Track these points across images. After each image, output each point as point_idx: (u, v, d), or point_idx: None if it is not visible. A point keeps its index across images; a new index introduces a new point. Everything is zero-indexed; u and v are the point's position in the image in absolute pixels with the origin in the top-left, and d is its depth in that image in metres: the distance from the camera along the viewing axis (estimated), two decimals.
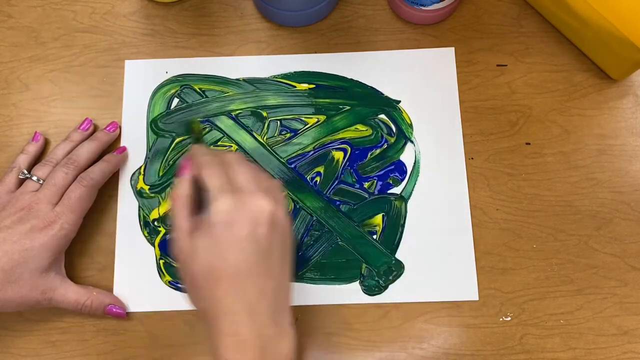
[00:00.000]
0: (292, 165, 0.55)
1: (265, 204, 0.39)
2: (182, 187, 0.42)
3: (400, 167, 0.55)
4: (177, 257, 0.41)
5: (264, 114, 0.57)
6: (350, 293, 0.52)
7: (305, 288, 0.52)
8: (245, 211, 0.38)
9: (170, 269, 0.53)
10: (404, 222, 0.54)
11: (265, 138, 0.56)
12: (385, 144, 0.56)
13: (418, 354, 0.51)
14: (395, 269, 0.52)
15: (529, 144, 0.56)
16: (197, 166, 0.42)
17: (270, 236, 0.39)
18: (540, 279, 0.52)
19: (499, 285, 0.52)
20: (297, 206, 0.54)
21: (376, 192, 0.54)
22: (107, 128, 0.56)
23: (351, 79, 0.58)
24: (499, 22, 0.59)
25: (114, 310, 0.51)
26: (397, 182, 0.55)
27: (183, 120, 0.56)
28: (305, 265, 0.53)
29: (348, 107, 0.57)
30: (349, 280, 0.52)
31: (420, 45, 0.58)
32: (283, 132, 0.56)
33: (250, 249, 0.38)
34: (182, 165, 0.43)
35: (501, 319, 0.51)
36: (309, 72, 0.58)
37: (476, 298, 0.52)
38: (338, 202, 0.54)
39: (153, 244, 0.54)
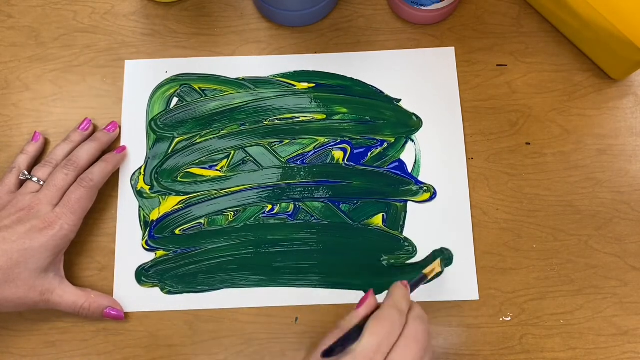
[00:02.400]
0: (293, 164, 0.55)
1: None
2: (347, 321, 0.41)
3: (401, 167, 0.55)
4: None
5: (266, 122, 0.57)
6: (350, 293, 0.52)
7: (307, 289, 0.53)
8: None
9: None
10: (404, 223, 0.54)
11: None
12: (386, 143, 0.56)
13: None
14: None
15: (529, 144, 0.56)
16: (375, 314, 0.40)
17: None
18: (540, 279, 0.52)
19: (499, 285, 0.52)
20: (298, 205, 0.54)
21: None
22: (107, 128, 0.56)
23: (351, 78, 0.58)
24: (499, 22, 0.59)
25: (112, 313, 0.51)
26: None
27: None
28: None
29: (346, 110, 0.57)
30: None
31: (420, 45, 0.58)
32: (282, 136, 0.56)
33: None
34: (365, 297, 0.42)
35: (501, 319, 0.51)
36: (308, 71, 0.58)
37: (476, 297, 0.52)
38: (337, 202, 0.54)
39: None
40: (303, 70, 0.58)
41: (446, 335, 0.51)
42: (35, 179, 0.51)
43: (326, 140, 0.56)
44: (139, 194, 0.55)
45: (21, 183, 0.52)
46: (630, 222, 0.54)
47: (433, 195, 0.54)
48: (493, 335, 0.51)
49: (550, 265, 0.53)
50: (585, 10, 0.53)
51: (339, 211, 0.54)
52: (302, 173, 0.55)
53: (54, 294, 0.49)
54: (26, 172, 0.52)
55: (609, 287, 0.52)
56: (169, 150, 0.56)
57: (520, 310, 0.52)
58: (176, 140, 0.56)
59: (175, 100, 0.57)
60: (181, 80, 0.58)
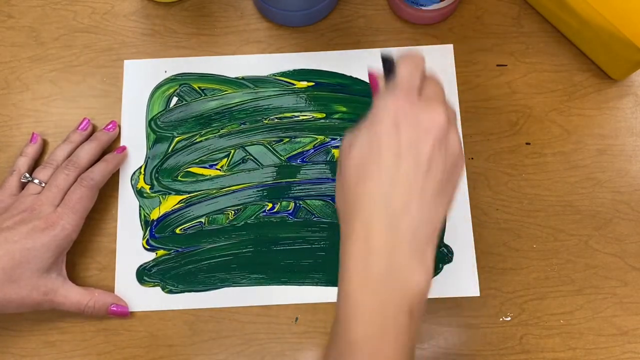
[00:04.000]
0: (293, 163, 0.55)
1: (441, 118, 0.35)
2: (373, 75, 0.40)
3: None
4: (340, 153, 0.38)
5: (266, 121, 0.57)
6: None
7: (307, 288, 0.53)
8: (416, 117, 0.35)
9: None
10: None
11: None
12: None
13: (418, 353, 0.51)
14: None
15: (529, 144, 0.56)
16: (401, 59, 0.38)
17: (434, 155, 0.35)
18: (540, 279, 0.52)
19: (499, 285, 0.52)
20: (298, 204, 0.54)
21: None
22: (107, 127, 0.56)
23: (350, 76, 0.58)
24: (499, 22, 0.59)
25: (117, 309, 0.51)
26: None
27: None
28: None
29: (344, 109, 0.57)
30: None
31: (420, 45, 0.58)
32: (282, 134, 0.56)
33: (409, 157, 0.34)
34: (372, 77, 0.40)
35: (501, 319, 0.51)
36: (308, 69, 0.58)
37: (477, 294, 0.52)
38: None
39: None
40: (302, 69, 0.58)
41: (446, 335, 0.51)
42: (36, 181, 0.51)
43: (326, 138, 0.56)
44: (139, 193, 0.55)
45: (23, 185, 0.52)
46: (630, 222, 0.54)
47: None
48: (493, 335, 0.51)
49: (550, 265, 0.53)
50: (585, 10, 0.53)
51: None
52: (302, 171, 0.55)
53: (58, 293, 0.49)
54: (27, 175, 0.52)
55: (609, 287, 0.52)
56: (169, 150, 0.56)
57: (520, 310, 0.52)
58: (176, 139, 0.56)
59: (174, 99, 0.57)
60: (180, 80, 0.58)
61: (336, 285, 0.52)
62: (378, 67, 0.41)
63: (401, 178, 0.34)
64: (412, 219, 0.34)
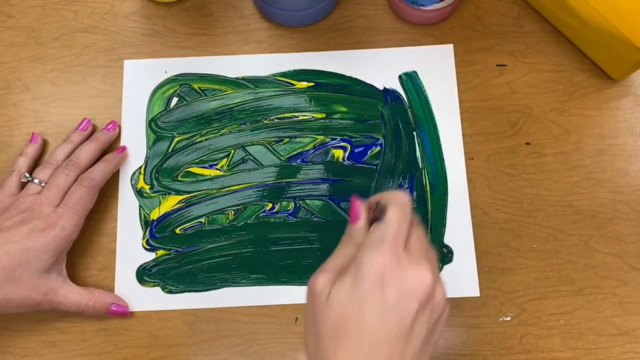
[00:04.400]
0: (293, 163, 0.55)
1: (428, 277, 0.34)
2: (356, 231, 0.38)
3: None
4: (310, 295, 0.36)
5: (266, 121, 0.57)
6: None
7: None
8: (403, 277, 0.34)
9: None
10: None
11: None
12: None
13: None
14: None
15: (529, 144, 0.56)
16: (393, 204, 0.37)
17: (420, 315, 0.34)
18: (540, 279, 0.52)
19: (499, 285, 0.52)
20: (298, 204, 0.54)
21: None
22: (107, 127, 0.56)
23: (350, 77, 0.58)
24: (499, 22, 0.59)
25: (118, 309, 0.51)
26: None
27: None
28: None
29: (345, 109, 0.57)
30: None
31: (420, 45, 0.58)
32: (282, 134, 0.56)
33: (393, 320, 0.34)
34: (354, 206, 0.39)
35: (501, 319, 0.51)
36: (308, 70, 0.58)
37: (477, 294, 0.52)
38: (338, 200, 0.54)
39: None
40: (302, 69, 0.58)
41: (446, 335, 0.51)
42: (36, 181, 0.51)
43: (326, 138, 0.56)
44: (139, 193, 0.55)
45: (23, 185, 0.52)
46: (630, 222, 0.54)
47: (432, 194, 0.54)
48: (493, 335, 0.51)
49: (550, 265, 0.53)
50: (585, 10, 0.53)
51: (339, 209, 0.54)
52: (302, 171, 0.55)
53: (58, 294, 0.49)
54: (27, 175, 0.52)
55: (609, 287, 0.52)
56: (169, 150, 0.56)
57: (520, 310, 0.52)
58: (176, 139, 0.56)
59: (175, 100, 0.57)
60: (181, 80, 0.58)
61: None
62: (361, 197, 0.41)
63: (383, 340, 0.34)
64: None
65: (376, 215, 0.38)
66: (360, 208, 0.39)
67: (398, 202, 0.37)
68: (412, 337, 0.34)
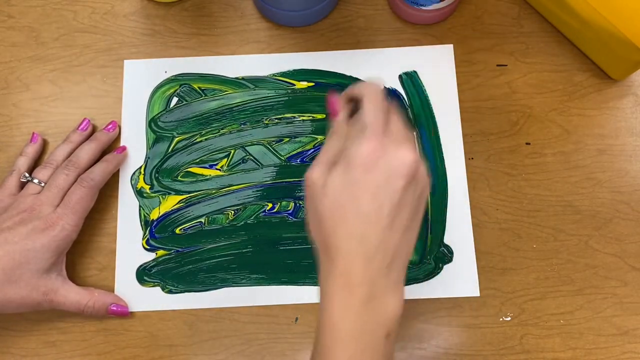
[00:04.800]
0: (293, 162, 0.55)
1: (410, 156, 0.37)
2: (338, 124, 0.41)
3: None
4: (308, 186, 0.39)
5: (266, 121, 0.57)
6: None
7: (307, 288, 0.53)
8: (389, 159, 0.37)
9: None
10: None
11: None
12: None
13: (418, 354, 0.51)
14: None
15: (529, 144, 0.56)
16: (366, 95, 0.40)
17: (407, 190, 0.38)
18: (540, 279, 0.52)
19: (499, 285, 0.52)
20: (298, 203, 0.54)
21: None
22: (107, 128, 0.56)
23: (350, 76, 0.58)
24: (499, 22, 0.59)
25: (117, 309, 0.51)
26: None
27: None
28: None
29: None
30: None
31: (420, 45, 0.58)
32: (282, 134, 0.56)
33: (383, 198, 0.37)
34: (332, 102, 0.42)
35: (501, 319, 0.51)
36: (308, 70, 0.58)
37: (477, 294, 0.52)
38: None
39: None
40: (302, 69, 0.58)
41: (446, 335, 0.51)
42: (36, 181, 0.51)
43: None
44: (139, 193, 0.55)
45: (22, 185, 0.52)
46: (630, 222, 0.54)
47: (432, 194, 0.54)
48: (493, 335, 0.51)
49: (550, 265, 0.53)
50: (585, 10, 0.53)
51: None
52: (302, 171, 0.55)
53: (57, 294, 0.49)
54: (27, 174, 0.52)
55: (609, 287, 0.52)
56: (169, 150, 0.56)
57: (520, 310, 0.52)
58: (176, 139, 0.56)
59: (175, 99, 0.57)
60: (181, 80, 0.58)
61: None
62: (337, 93, 0.43)
63: (376, 218, 0.37)
64: (387, 254, 0.38)
65: (354, 108, 0.42)
66: (338, 102, 0.42)
67: (371, 92, 0.40)
68: (401, 214, 0.38)
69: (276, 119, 0.57)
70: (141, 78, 0.58)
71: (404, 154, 0.37)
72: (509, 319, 0.51)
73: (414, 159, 0.38)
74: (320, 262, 0.39)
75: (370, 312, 0.37)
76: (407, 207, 0.38)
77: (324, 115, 0.57)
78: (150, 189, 0.55)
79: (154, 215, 0.54)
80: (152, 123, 0.57)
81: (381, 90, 0.41)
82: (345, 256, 0.37)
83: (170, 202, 0.55)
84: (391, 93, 0.57)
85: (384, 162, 0.37)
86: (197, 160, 0.56)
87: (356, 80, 0.58)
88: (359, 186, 0.37)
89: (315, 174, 0.39)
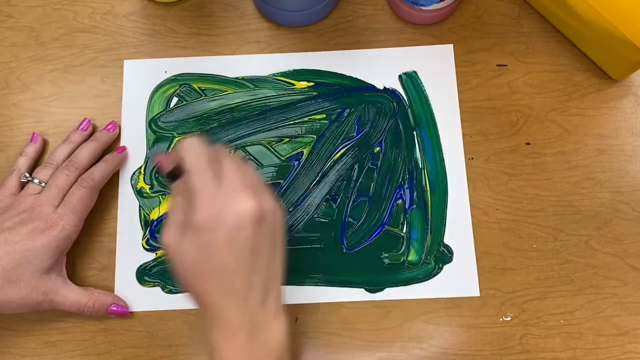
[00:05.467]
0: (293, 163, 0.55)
1: (250, 204, 0.38)
2: (176, 189, 0.42)
3: None
4: (167, 253, 0.41)
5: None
6: (350, 292, 0.52)
7: (307, 288, 0.53)
8: (230, 214, 0.38)
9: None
10: (405, 220, 0.54)
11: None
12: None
13: (418, 354, 0.51)
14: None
15: (529, 144, 0.56)
16: (184, 155, 0.41)
17: (256, 235, 0.39)
18: (540, 279, 0.52)
19: (499, 285, 0.52)
20: (298, 201, 0.54)
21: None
22: (107, 128, 0.56)
23: (350, 76, 0.58)
24: (499, 22, 0.59)
25: (117, 309, 0.51)
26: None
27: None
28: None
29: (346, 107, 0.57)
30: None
31: (420, 45, 0.58)
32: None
33: (236, 250, 0.38)
34: (160, 163, 0.43)
35: (501, 319, 0.51)
36: (308, 70, 0.58)
37: (477, 294, 0.52)
38: (338, 200, 0.54)
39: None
40: (302, 69, 0.58)
41: (446, 335, 0.51)
42: (36, 181, 0.51)
43: None
44: (139, 193, 0.55)
45: (22, 185, 0.52)
46: (630, 222, 0.54)
47: (432, 193, 0.54)
48: (493, 335, 0.51)
49: (550, 265, 0.53)
50: (585, 10, 0.53)
51: (339, 208, 0.54)
52: (302, 171, 0.55)
53: (57, 294, 0.49)
54: (27, 174, 0.52)
55: (609, 287, 0.52)
56: (169, 150, 0.56)
57: (520, 310, 0.52)
58: (176, 139, 0.56)
59: (175, 100, 0.57)
60: (181, 80, 0.58)
61: (336, 286, 0.52)
62: (162, 153, 0.44)
63: (236, 267, 0.39)
64: (257, 292, 0.39)
65: (182, 170, 0.41)
66: (165, 161, 0.43)
67: (189, 150, 0.40)
68: (258, 251, 0.39)
69: (276, 118, 0.57)
70: (141, 78, 0.58)
71: (243, 204, 0.38)
72: (509, 319, 0.51)
73: (254, 204, 0.38)
74: (201, 315, 0.40)
75: (257, 346, 0.39)
76: (263, 247, 0.39)
77: (324, 115, 0.57)
78: (150, 189, 0.55)
79: (154, 215, 0.54)
80: (152, 123, 0.57)
81: (199, 142, 0.41)
82: (220, 306, 0.39)
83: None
84: (391, 93, 0.57)
85: (226, 219, 0.38)
86: None
87: (356, 80, 0.57)
88: (211, 247, 0.38)
89: (168, 238, 0.40)
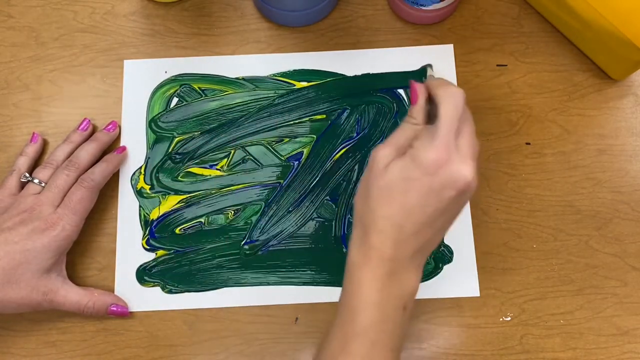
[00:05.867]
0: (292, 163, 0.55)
1: (469, 175, 0.40)
2: (415, 110, 0.43)
3: None
4: (372, 161, 0.42)
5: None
6: None
7: (307, 288, 0.53)
8: (449, 171, 0.39)
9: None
10: None
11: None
12: None
13: (418, 354, 0.51)
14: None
15: (529, 144, 0.56)
16: (445, 99, 0.41)
17: (454, 201, 0.40)
18: (540, 279, 0.52)
19: (499, 285, 0.52)
20: (298, 201, 0.54)
21: None
22: (107, 128, 0.56)
23: (350, 77, 0.58)
24: (499, 22, 0.59)
25: (117, 309, 0.51)
26: None
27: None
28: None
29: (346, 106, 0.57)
30: None
31: (420, 45, 0.58)
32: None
33: (431, 201, 0.40)
34: (413, 89, 0.44)
35: (501, 319, 0.51)
36: (307, 70, 0.58)
37: (477, 294, 0.52)
38: (338, 199, 0.54)
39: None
40: (302, 69, 0.58)
41: (446, 335, 0.51)
42: (36, 181, 0.51)
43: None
44: (139, 193, 0.55)
45: (22, 185, 0.52)
46: (630, 222, 0.54)
47: None
48: (493, 335, 0.51)
49: (550, 265, 0.53)
50: (585, 10, 0.53)
51: (339, 208, 0.54)
52: (301, 171, 0.55)
53: (57, 294, 0.49)
54: (27, 174, 0.52)
55: (609, 287, 0.52)
56: (169, 150, 0.56)
57: (520, 310, 0.52)
58: (176, 139, 0.56)
59: (175, 100, 0.57)
60: (181, 80, 0.58)
61: (336, 285, 0.52)
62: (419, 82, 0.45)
63: (417, 214, 0.40)
64: (416, 244, 0.41)
65: (431, 110, 0.43)
66: (419, 90, 0.44)
67: (451, 100, 0.41)
68: (443, 215, 0.41)
69: (276, 118, 0.57)
70: (141, 78, 0.58)
71: (464, 171, 0.40)
72: (509, 319, 0.51)
73: (472, 177, 0.40)
74: (354, 231, 0.42)
75: (393, 285, 0.41)
76: (448, 213, 0.41)
77: (324, 116, 0.57)
78: (150, 189, 0.55)
79: (154, 215, 0.54)
80: (152, 123, 0.57)
81: (462, 98, 0.42)
82: (379, 234, 0.40)
83: (170, 202, 0.55)
84: (391, 93, 0.57)
85: (443, 172, 0.39)
86: (197, 160, 0.56)
87: (356, 80, 0.57)
88: (414, 184, 0.40)
89: (381, 152, 0.41)
